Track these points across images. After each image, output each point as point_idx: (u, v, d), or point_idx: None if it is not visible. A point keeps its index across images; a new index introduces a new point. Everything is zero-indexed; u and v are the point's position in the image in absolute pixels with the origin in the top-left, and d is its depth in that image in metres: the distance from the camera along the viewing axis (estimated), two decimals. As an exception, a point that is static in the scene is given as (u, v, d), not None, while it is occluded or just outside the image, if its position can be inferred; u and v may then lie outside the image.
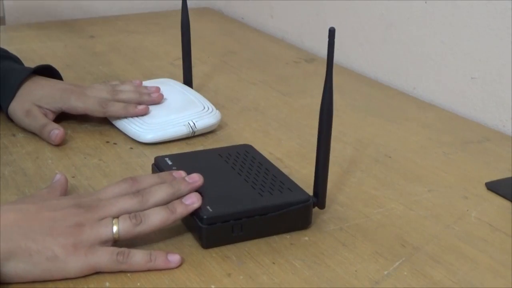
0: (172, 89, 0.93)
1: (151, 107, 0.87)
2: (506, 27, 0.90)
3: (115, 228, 0.58)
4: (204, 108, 0.88)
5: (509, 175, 0.78)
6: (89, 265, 0.56)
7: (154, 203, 0.61)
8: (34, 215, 0.56)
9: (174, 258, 0.59)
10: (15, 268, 0.54)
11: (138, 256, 0.58)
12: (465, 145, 0.87)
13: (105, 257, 0.57)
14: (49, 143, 0.81)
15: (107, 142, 0.83)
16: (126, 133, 0.84)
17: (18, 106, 0.84)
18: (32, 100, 0.84)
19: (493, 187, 0.75)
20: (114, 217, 0.58)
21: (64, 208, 0.58)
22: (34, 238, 0.55)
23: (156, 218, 0.59)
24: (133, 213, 0.59)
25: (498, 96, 0.94)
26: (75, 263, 0.56)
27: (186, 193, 0.62)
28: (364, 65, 1.17)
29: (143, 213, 0.59)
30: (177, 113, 0.86)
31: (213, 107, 0.89)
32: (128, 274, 0.57)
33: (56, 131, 0.81)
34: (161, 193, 0.61)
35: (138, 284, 0.56)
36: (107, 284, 0.56)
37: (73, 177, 0.74)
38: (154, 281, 0.57)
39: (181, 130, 0.84)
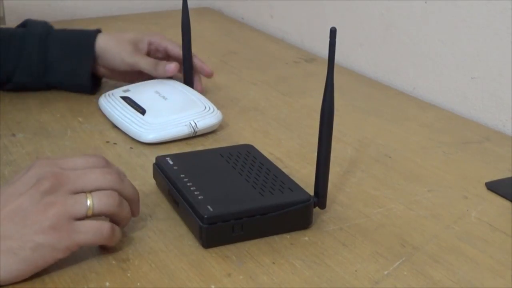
0: (172, 89, 0.92)
1: (151, 107, 0.86)
2: (506, 27, 0.91)
3: (88, 202, 0.56)
4: (206, 108, 0.87)
5: (509, 175, 0.78)
6: (74, 242, 0.55)
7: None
8: (2, 210, 0.54)
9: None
10: (8, 272, 0.53)
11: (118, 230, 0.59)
12: (465, 145, 0.87)
13: (88, 234, 0.56)
14: (48, 144, 0.82)
15: (107, 142, 0.83)
16: (127, 133, 0.84)
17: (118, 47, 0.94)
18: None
19: (493, 187, 0.75)
20: (87, 192, 0.57)
21: (29, 188, 0.55)
22: (10, 236, 0.53)
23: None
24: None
25: (498, 96, 0.94)
26: (61, 244, 0.55)
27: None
28: (364, 65, 1.17)
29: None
30: (178, 113, 0.85)
31: (214, 107, 0.88)
32: (128, 274, 0.57)
33: (171, 64, 0.94)
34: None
35: (138, 284, 0.56)
36: (107, 284, 0.56)
37: (73, 177, 0.74)
38: (154, 281, 0.57)
39: (183, 130, 0.83)
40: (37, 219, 0.54)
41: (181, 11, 0.93)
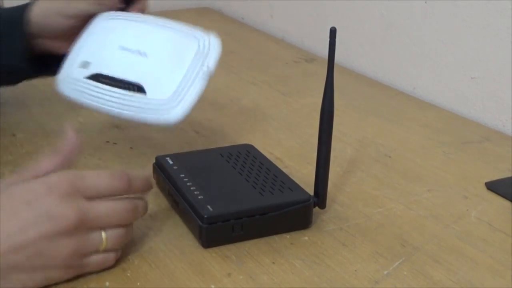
0: (133, 34, 0.74)
1: (143, 77, 0.70)
2: (506, 27, 0.91)
3: (103, 240, 0.55)
4: (200, 42, 0.72)
5: (509, 175, 0.78)
6: (81, 273, 0.56)
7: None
8: (17, 237, 0.51)
9: None
10: None
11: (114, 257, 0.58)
12: (465, 145, 0.87)
13: (95, 266, 0.56)
14: (48, 144, 0.82)
15: (107, 142, 0.83)
16: (143, 122, 0.71)
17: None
18: None
19: (493, 187, 0.75)
20: (102, 229, 0.55)
21: (48, 221, 0.52)
22: (21, 267, 0.52)
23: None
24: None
25: (498, 96, 0.94)
26: (68, 275, 0.55)
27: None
28: (364, 65, 1.17)
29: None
30: (179, 67, 0.70)
31: (204, 35, 0.73)
32: (128, 274, 0.57)
33: None
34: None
35: (138, 284, 0.56)
36: (107, 284, 0.56)
37: (73, 177, 0.74)
38: (154, 281, 0.57)
39: (201, 84, 0.70)
40: (51, 256, 0.52)
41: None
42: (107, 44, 0.73)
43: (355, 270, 0.60)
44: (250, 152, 0.73)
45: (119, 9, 0.79)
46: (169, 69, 0.70)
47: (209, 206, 0.61)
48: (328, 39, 0.60)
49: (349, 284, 0.58)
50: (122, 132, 0.85)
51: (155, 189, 0.72)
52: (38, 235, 0.51)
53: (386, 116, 0.96)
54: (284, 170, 0.71)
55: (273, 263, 0.60)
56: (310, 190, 0.66)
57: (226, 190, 0.65)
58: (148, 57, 0.71)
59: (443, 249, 0.63)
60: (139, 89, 0.69)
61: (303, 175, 0.75)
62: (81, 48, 0.75)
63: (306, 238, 0.64)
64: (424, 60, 1.05)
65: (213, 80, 1.06)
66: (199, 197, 0.63)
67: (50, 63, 0.79)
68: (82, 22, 0.78)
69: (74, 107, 0.93)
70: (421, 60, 1.06)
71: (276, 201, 0.64)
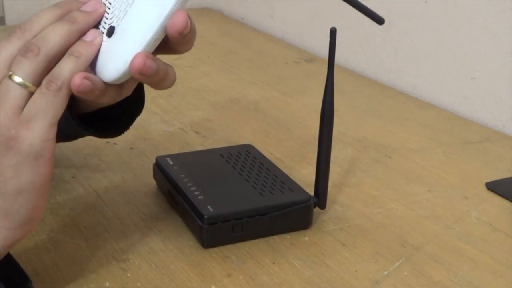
0: None
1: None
2: (506, 27, 0.91)
3: (17, 79, 0.46)
4: None
5: (509, 175, 0.78)
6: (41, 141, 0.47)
7: (51, 53, 0.47)
8: None
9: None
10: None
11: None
12: (465, 145, 0.87)
13: (41, 113, 0.47)
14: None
15: (107, 142, 0.83)
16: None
17: None
18: None
19: (493, 187, 0.75)
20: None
21: None
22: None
23: (54, 35, 0.47)
24: (24, 47, 0.47)
25: (498, 96, 0.94)
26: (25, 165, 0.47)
27: (86, 27, 0.49)
28: (364, 65, 1.17)
29: (35, 40, 0.47)
30: None
31: None
32: (128, 274, 0.57)
33: None
34: (54, 35, 0.47)
35: (138, 284, 0.56)
36: (107, 284, 0.56)
37: (73, 177, 0.74)
38: (154, 281, 0.57)
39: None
40: None
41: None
42: None
43: (355, 271, 0.60)
44: (250, 152, 0.73)
45: None
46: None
47: (209, 206, 0.61)
48: (328, 39, 0.60)
49: (349, 285, 0.58)
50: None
51: (155, 189, 0.72)
52: None
53: (386, 116, 0.96)
54: (284, 170, 0.71)
55: (274, 263, 0.60)
56: (310, 190, 0.66)
57: (226, 190, 0.65)
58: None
59: (443, 249, 0.63)
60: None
61: (303, 175, 0.75)
62: None
63: (307, 238, 0.64)
64: (424, 60, 1.05)
65: (213, 80, 1.07)
66: (200, 197, 0.63)
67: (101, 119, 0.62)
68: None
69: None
70: (421, 60, 1.06)
71: (276, 201, 0.64)
